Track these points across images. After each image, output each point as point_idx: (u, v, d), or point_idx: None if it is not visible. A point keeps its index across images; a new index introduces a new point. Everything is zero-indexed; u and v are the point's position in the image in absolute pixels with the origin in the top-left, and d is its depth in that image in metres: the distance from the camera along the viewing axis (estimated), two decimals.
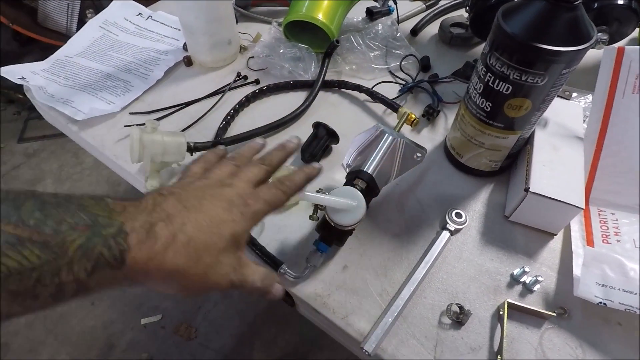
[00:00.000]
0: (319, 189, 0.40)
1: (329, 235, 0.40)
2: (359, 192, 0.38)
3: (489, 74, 0.39)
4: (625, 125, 0.43)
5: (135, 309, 1.24)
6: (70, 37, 1.85)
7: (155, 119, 0.56)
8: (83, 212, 0.24)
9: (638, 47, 0.41)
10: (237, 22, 0.71)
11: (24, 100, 1.78)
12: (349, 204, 0.37)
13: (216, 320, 1.22)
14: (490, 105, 0.40)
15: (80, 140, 0.57)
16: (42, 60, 0.64)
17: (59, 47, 0.66)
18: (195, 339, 1.18)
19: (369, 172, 0.40)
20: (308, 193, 0.36)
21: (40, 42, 1.70)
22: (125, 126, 0.54)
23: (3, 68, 0.59)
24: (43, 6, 1.63)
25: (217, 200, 0.30)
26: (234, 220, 0.30)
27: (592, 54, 0.56)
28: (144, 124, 0.54)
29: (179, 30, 0.69)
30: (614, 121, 0.43)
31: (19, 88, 1.86)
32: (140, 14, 0.72)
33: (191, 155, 0.48)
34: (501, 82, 0.38)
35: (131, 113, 0.57)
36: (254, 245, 0.42)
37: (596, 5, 0.49)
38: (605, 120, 0.43)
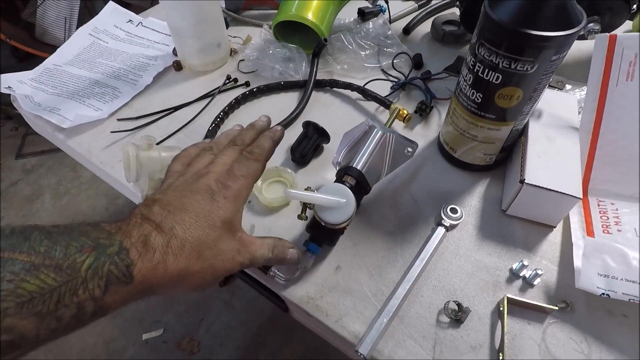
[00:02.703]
0: (307, 187, 0.39)
1: (320, 235, 0.38)
2: (347, 189, 0.37)
3: (478, 64, 0.38)
4: (621, 113, 0.42)
5: (137, 324, 1.22)
6: None
7: (143, 125, 0.55)
8: (85, 236, 0.25)
9: (630, 33, 0.41)
10: (228, 26, 0.71)
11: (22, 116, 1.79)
12: (337, 202, 0.36)
13: (219, 333, 1.20)
14: (481, 96, 0.39)
15: (67, 148, 0.56)
16: None
17: None
18: (199, 352, 1.16)
19: (358, 168, 0.39)
20: (294, 191, 0.35)
21: (39, 57, 1.71)
22: (112, 132, 0.53)
23: None
24: (40, 21, 1.64)
25: (197, 193, 0.31)
26: (219, 207, 0.30)
27: (586, 46, 0.56)
28: (131, 130, 0.54)
29: (169, 35, 0.69)
30: (609, 110, 0.42)
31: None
32: (130, 20, 0.72)
33: None
34: (491, 72, 0.37)
35: (119, 119, 0.56)
36: None
37: None
38: (600, 109, 0.42)
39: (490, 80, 0.38)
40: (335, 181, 0.40)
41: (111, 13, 0.73)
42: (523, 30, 0.33)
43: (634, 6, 0.49)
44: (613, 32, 0.41)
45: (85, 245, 0.25)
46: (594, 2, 0.49)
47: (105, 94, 0.59)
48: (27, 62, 1.99)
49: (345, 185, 0.38)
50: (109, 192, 1.56)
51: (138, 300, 0.28)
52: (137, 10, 0.77)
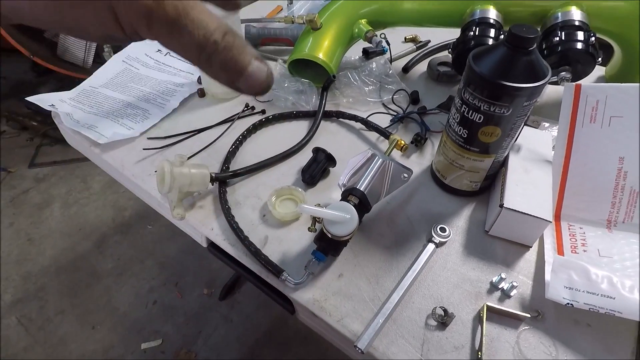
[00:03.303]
0: (317, 204, 0.45)
1: (326, 245, 0.44)
2: (351, 206, 0.43)
3: (464, 105, 0.45)
4: (586, 150, 0.49)
5: (136, 333, 1.25)
6: (86, 69, 1.95)
7: (171, 144, 0.62)
8: None
9: (592, 84, 0.48)
10: None
11: (37, 127, 1.86)
12: (343, 217, 0.42)
13: (216, 345, 1.23)
14: (467, 132, 0.47)
15: (101, 161, 0.62)
16: (58, 88, 0.71)
17: (75, 78, 0.73)
18: None
19: (361, 189, 0.45)
20: (306, 206, 0.41)
21: (57, 73, 1.81)
22: (144, 149, 0.60)
23: (35, 96, 0.66)
24: (63, 41, 1.75)
25: None
26: None
27: (561, 90, 0.64)
28: (160, 148, 0.61)
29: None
30: (576, 147, 0.49)
31: (33, 116, 1.93)
32: (159, 50, 0.81)
33: (212, 185, 0.53)
34: (474, 113, 0.44)
35: (149, 138, 0.63)
36: (258, 255, 0.47)
37: (559, 49, 0.57)
38: (569, 147, 0.49)
39: (474, 119, 0.45)
40: (340, 200, 0.47)
41: (142, 43, 0.81)
42: (499, 81, 0.40)
43: (599, 59, 0.57)
44: (579, 82, 0.49)
45: None
46: (565, 55, 0.57)
47: (137, 115, 0.66)
48: (46, 76, 2.10)
49: (350, 203, 0.44)
50: (116, 204, 1.62)
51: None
52: None
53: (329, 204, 0.45)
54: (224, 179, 0.54)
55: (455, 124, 0.48)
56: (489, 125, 0.44)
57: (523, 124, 0.46)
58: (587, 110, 0.48)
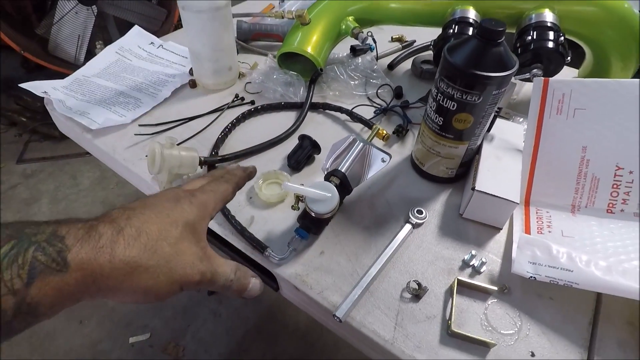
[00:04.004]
0: (301, 184, 0.48)
1: (308, 223, 0.47)
2: (333, 186, 0.46)
3: (439, 94, 0.48)
4: (553, 139, 0.52)
5: (124, 327, 1.26)
6: (78, 65, 1.96)
7: (162, 131, 0.64)
8: (8, 228, 0.22)
9: (559, 78, 0.52)
10: (237, 53, 0.82)
11: (27, 123, 1.86)
12: (324, 195, 0.45)
13: (204, 339, 1.24)
14: (442, 119, 0.50)
15: (93, 147, 0.64)
16: None
17: (66, 74, 0.74)
18: (184, 357, 1.20)
19: (342, 170, 0.48)
20: (290, 184, 0.44)
21: (47, 69, 1.81)
22: (135, 134, 0.62)
23: (28, 83, 0.67)
24: (54, 37, 1.75)
25: (162, 197, 0.30)
26: (183, 209, 0.29)
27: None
28: (151, 134, 0.63)
29: (186, 57, 0.80)
30: (544, 136, 0.53)
31: (22, 111, 1.92)
32: (152, 43, 0.83)
33: (201, 168, 0.56)
34: (449, 101, 0.47)
35: (140, 125, 0.65)
36: (243, 233, 0.49)
37: (532, 47, 0.61)
38: (538, 136, 0.53)
39: (449, 107, 0.48)
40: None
41: (136, 35, 0.83)
42: (471, 70, 0.44)
43: (568, 58, 0.61)
44: (548, 77, 0.52)
45: (3, 236, 0.21)
46: (537, 53, 0.61)
47: (129, 103, 0.68)
48: (36, 72, 2.09)
49: (331, 183, 0.47)
50: (105, 200, 1.62)
51: (80, 301, 0.24)
52: (157, 34, 0.87)
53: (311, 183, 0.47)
54: (212, 163, 0.56)
55: (432, 112, 0.51)
56: (462, 113, 0.48)
57: (493, 112, 0.49)
58: (554, 103, 0.52)
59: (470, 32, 0.63)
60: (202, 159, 0.55)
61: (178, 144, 0.60)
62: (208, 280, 0.30)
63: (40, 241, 0.21)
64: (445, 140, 0.51)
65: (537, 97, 0.53)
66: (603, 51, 0.68)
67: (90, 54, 1.87)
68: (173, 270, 0.27)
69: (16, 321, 0.20)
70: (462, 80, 0.45)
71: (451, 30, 0.64)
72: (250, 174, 0.43)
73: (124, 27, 1.86)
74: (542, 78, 0.52)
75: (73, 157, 1.78)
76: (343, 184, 0.48)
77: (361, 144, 0.50)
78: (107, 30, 1.84)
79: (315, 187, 0.46)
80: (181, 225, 0.28)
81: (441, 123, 0.50)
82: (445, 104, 0.48)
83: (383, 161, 0.51)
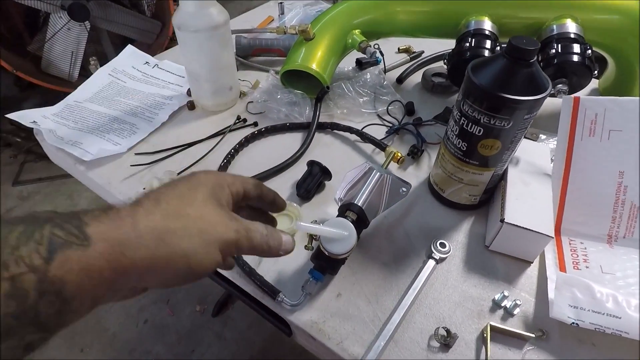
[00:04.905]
0: (314, 220, 0.43)
1: (323, 264, 0.43)
2: (350, 222, 0.42)
3: (463, 118, 0.44)
4: (585, 164, 0.48)
5: (127, 354, 1.20)
6: (71, 82, 1.90)
7: (160, 159, 0.60)
8: (18, 217, 0.20)
9: (591, 97, 0.48)
10: (237, 70, 0.78)
11: (21, 144, 1.81)
12: (340, 234, 0.41)
13: None
14: (466, 145, 0.46)
15: (87, 179, 0.60)
16: (43, 103, 0.67)
17: (60, 92, 0.70)
18: None
19: (359, 204, 0.44)
20: (303, 223, 0.40)
21: (41, 87, 1.76)
22: (131, 165, 0.58)
23: (16, 113, 0.63)
24: (47, 54, 1.71)
25: (176, 181, 0.29)
26: (199, 178, 0.29)
27: (558, 102, 0.63)
28: (149, 164, 0.59)
29: (183, 77, 0.75)
30: (575, 160, 0.48)
31: (17, 132, 1.87)
32: (147, 62, 0.79)
33: None
34: (474, 125, 0.43)
35: (137, 153, 0.61)
36: (253, 275, 0.45)
37: (556, 61, 0.57)
38: (568, 160, 0.49)
39: (474, 132, 0.44)
40: (337, 215, 0.45)
41: (129, 55, 0.79)
42: (499, 93, 0.40)
43: (595, 72, 0.57)
44: (577, 94, 0.48)
45: (13, 219, 0.20)
46: (562, 67, 0.57)
47: (124, 130, 0.64)
48: (29, 91, 2.05)
49: (348, 219, 0.42)
50: None
51: (117, 285, 0.21)
52: (152, 52, 0.83)
53: (325, 220, 0.43)
54: None
55: (454, 136, 0.47)
56: (488, 138, 0.43)
57: (523, 136, 0.45)
58: (586, 124, 0.48)
59: (488, 45, 0.59)
60: None
61: (178, 174, 0.56)
62: (245, 237, 0.28)
63: (55, 219, 0.20)
64: (469, 167, 0.47)
65: (567, 118, 0.48)
66: (627, 60, 0.63)
67: (85, 70, 1.82)
68: (204, 231, 0.25)
69: (42, 304, 0.18)
70: (489, 104, 0.41)
71: (467, 44, 0.60)
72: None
73: (118, 42, 1.83)
74: (572, 97, 0.48)
75: (69, 177, 1.73)
76: (360, 218, 0.44)
77: (378, 173, 0.46)
78: (101, 45, 1.80)
79: (331, 225, 0.41)
80: (201, 190, 0.27)
81: (465, 148, 0.46)
82: (470, 128, 0.44)
83: (403, 192, 0.46)
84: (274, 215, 0.51)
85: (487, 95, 0.41)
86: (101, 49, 1.81)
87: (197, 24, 0.58)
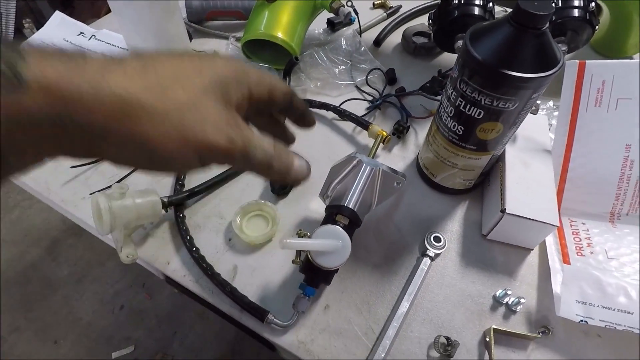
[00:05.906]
0: (299, 229, 0.37)
1: (316, 276, 0.37)
2: (342, 230, 0.36)
3: (459, 98, 0.38)
4: (590, 138, 0.43)
5: (104, 342, 1.17)
6: None
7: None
8: None
9: (598, 61, 0.42)
10: (191, 39, 0.67)
11: None
12: (334, 245, 0.35)
13: (194, 345, 1.17)
14: (462, 128, 0.40)
15: (23, 185, 0.51)
16: None
17: None
18: None
19: (350, 206, 0.38)
20: (290, 240, 0.34)
21: None
22: (71, 167, 0.49)
23: None
24: None
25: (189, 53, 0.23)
26: (214, 62, 0.23)
27: None
28: (93, 162, 0.50)
29: (127, 49, 0.64)
30: (579, 134, 0.44)
31: None
32: (82, 33, 0.66)
33: (166, 211, 0.44)
34: (472, 107, 0.37)
35: None
36: (233, 295, 0.39)
37: (554, 17, 0.50)
38: (571, 134, 0.44)
39: (472, 114, 0.38)
40: (325, 217, 0.39)
41: (59, 25, 0.66)
42: (504, 71, 0.33)
43: (596, 26, 0.50)
44: (582, 59, 0.42)
45: None
46: (560, 24, 0.50)
47: None
48: None
49: (339, 225, 0.37)
50: None
51: (62, 145, 0.18)
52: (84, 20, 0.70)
53: (309, 219, 0.37)
54: (179, 202, 0.45)
55: (448, 118, 0.40)
56: (490, 121, 0.37)
57: (526, 117, 0.39)
58: (592, 93, 0.42)
59: (478, 2, 0.51)
60: (166, 200, 0.43)
61: (120, 180, 0.48)
62: (240, 150, 0.22)
63: None
64: (465, 152, 0.42)
65: (571, 86, 0.43)
66: (625, 8, 0.57)
67: (20, 33, 1.60)
68: (187, 126, 0.20)
69: None
70: (493, 83, 0.35)
71: (455, 1, 0.52)
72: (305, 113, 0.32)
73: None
74: (577, 62, 0.42)
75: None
76: (352, 222, 0.38)
77: (369, 167, 0.40)
78: (37, 7, 1.58)
79: (322, 235, 0.35)
80: (207, 75, 0.22)
81: (461, 132, 0.40)
82: (468, 110, 0.38)
83: (397, 185, 0.40)
84: (246, 219, 0.45)
85: (489, 73, 0.34)
86: (35, 6, 1.59)
87: None
